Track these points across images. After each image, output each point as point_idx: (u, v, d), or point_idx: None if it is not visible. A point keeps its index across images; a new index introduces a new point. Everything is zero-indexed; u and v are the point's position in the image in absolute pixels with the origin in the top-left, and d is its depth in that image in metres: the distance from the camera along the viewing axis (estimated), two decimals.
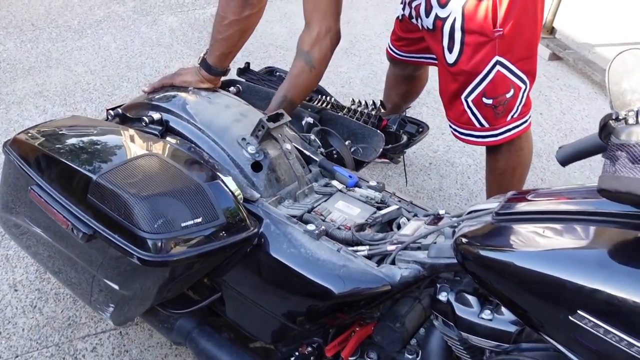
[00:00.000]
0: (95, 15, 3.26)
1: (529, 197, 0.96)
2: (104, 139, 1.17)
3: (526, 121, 1.60)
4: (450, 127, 1.66)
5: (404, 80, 2.06)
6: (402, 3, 1.79)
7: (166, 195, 1.01)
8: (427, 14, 1.50)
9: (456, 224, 1.01)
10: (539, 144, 2.45)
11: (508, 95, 1.50)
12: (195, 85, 1.40)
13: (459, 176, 2.26)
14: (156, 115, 1.27)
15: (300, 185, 1.25)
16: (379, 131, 1.55)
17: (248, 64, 1.92)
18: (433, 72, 1.81)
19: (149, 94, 1.41)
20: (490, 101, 1.50)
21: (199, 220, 1.00)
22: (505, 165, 1.68)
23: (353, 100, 1.83)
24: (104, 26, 3.15)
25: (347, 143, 1.46)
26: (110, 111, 1.36)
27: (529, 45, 1.49)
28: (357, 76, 2.83)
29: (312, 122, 1.49)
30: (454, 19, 1.42)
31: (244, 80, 1.82)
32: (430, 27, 1.51)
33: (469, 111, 1.55)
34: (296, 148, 1.31)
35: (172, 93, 1.37)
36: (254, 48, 2.96)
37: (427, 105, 2.66)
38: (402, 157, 1.88)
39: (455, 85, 1.53)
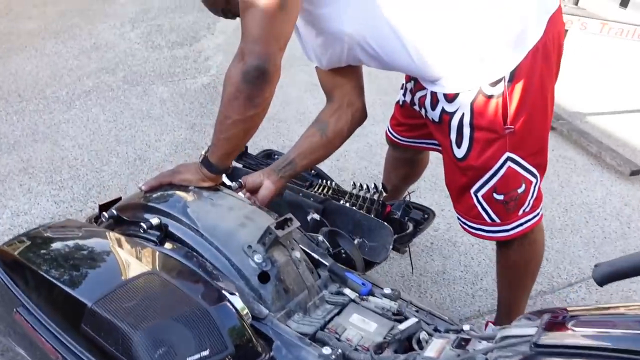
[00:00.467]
0: (84, 85, 3.21)
1: (570, 325, 0.88)
2: (99, 252, 1.08)
3: (538, 214, 1.53)
4: (459, 219, 1.58)
5: (405, 164, 2.00)
6: (402, 88, 1.75)
7: (169, 325, 0.91)
8: (433, 107, 1.44)
9: (488, 351, 0.93)
10: None
11: (519, 191, 1.44)
12: (196, 184, 1.32)
13: (462, 257, 2.19)
14: (154, 220, 1.19)
15: (310, 295, 1.16)
16: (386, 224, 1.47)
17: (246, 147, 1.86)
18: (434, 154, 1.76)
19: (147, 192, 1.33)
20: (501, 197, 1.44)
21: (206, 353, 0.90)
22: (518, 260, 1.60)
23: (354, 184, 1.77)
24: (93, 97, 3.10)
25: (356, 242, 1.39)
26: (105, 213, 1.27)
27: (540, 138, 1.44)
28: (352, 149, 2.78)
29: (318, 219, 1.41)
30: (462, 114, 1.36)
31: (241, 166, 1.76)
32: (437, 119, 1.45)
33: (478, 206, 1.48)
34: (303, 250, 1.23)
35: (171, 192, 1.29)
36: None
37: (425, 180, 2.61)
38: (408, 246, 1.81)
39: (464, 179, 1.47)
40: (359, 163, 2.72)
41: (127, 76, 3.34)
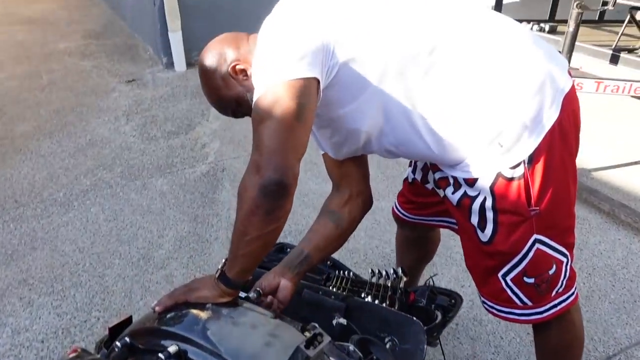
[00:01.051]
0: (82, 184, 3.16)
1: None
2: None
3: (573, 293, 1.44)
4: (485, 303, 1.49)
5: (416, 243, 1.93)
6: (410, 166, 1.71)
7: None
8: (454, 191, 1.39)
9: None
10: None
11: (551, 272, 1.37)
12: (214, 301, 1.23)
13: (491, 337, 2.07)
14: (172, 348, 1.09)
15: None
16: (415, 320, 1.38)
17: None
18: None
19: (161, 313, 1.24)
20: (532, 280, 1.37)
21: None
22: (558, 344, 1.51)
23: (372, 272, 1.69)
24: (91, 196, 3.04)
25: (387, 344, 1.29)
26: (117, 342, 1.17)
27: (567, 217, 1.38)
28: (361, 227, 2.68)
29: (345, 323, 1.32)
30: (484, 198, 1.31)
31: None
32: (455, 203, 1.40)
33: (508, 290, 1.40)
34: None
35: (188, 313, 1.20)
36: None
37: (438, 255, 2.52)
38: (439, 338, 1.70)
39: (491, 263, 1.39)
40: (370, 243, 2.64)
41: (125, 171, 3.30)
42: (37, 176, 3.25)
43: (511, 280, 1.39)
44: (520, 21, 3.54)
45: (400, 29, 1.23)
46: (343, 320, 1.33)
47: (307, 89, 1.12)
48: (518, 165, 1.25)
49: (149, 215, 2.86)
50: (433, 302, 1.68)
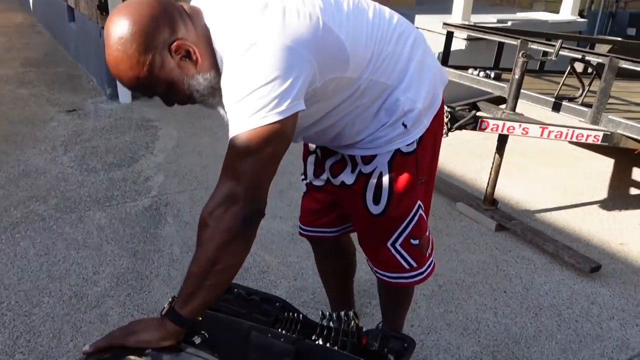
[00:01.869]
0: (11, 216, 2.95)
1: None
2: None
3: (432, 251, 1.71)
4: (378, 273, 1.67)
5: (332, 257, 2.00)
6: (303, 174, 1.78)
7: None
8: (353, 170, 1.52)
9: None
10: (513, 328, 2.29)
11: (426, 234, 1.63)
12: (156, 345, 1.12)
13: None
14: None
15: None
16: None
17: None
18: None
19: (90, 355, 1.11)
20: (417, 242, 1.59)
21: None
22: (407, 291, 1.82)
23: (323, 314, 1.61)
24: (21, 229, 2.83)
25: None
26: None
27: (432, 188, 1.67)
28: (308, 265, 2.64)
29: None
30: (380, 173, 1.47)
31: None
32: (352, 182, 1.53)
33: (397, 255, 1.60)
34: None
35: (123, 358, 1.09)
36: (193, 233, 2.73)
37: None
38: None
39: (382, 233, 1.58)
40: (318, 280, 2.54)
41: (60, 203, 3.11)
42: None
43: (400, 244, 1.58)
44: (467, 67, 3.66)
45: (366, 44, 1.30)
46: None
47: (295, 121, 1.14)
48: (412, 143, 1.45)
49: (85, 250, 2.68)
50: (386, 346, 1.62)
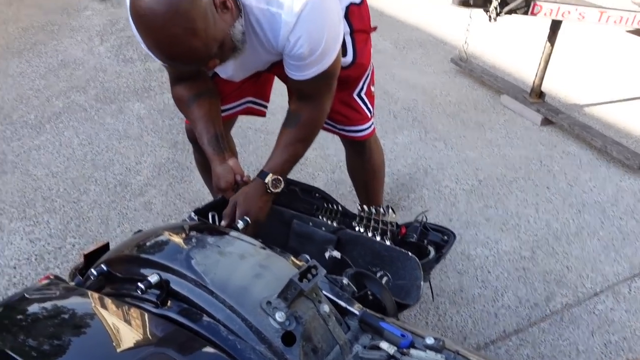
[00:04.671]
0: (54, 106, 2.98)
1: None
2: (91, 332, 0.89)
3: None
4: (345, 131, 1.76)
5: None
6: None
7: None
8: None
9: None
10: (554, 224, 2.27)
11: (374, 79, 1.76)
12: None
13: (478, 271, 2.04)
14: (153, 278, 1.00)
15: (343, 354, 0.99)
16: (411, 255, 1.32)
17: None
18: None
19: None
20: (373, 88, 1.74)
21: None
22: (378, 161, 1.92)
23: (361, 206, 1.61)
24: (64, 119, 2.88)
25: (382, 278, 1.23)
26: (93, 270, 1.08)
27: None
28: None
29: (339, 257, 1.25)
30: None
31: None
32: None
33: (362, 105, 1.71)
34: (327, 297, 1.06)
35: (169, 240, 1.11)
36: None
37: (428, 188, 2.46)
38: (430, 274, 1.65)
39: (350, 86, 1.65)
40: None
41: (100, 94, 3.12)
42: (6, 97, 3.05)
43: (365, 93, 1.69)
44: None
45: None
46: (337, 254, 1.26)
47: None
48: None
49: (126, 140, 2.72)
50: (425, 238, 1.62)
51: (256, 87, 1.73)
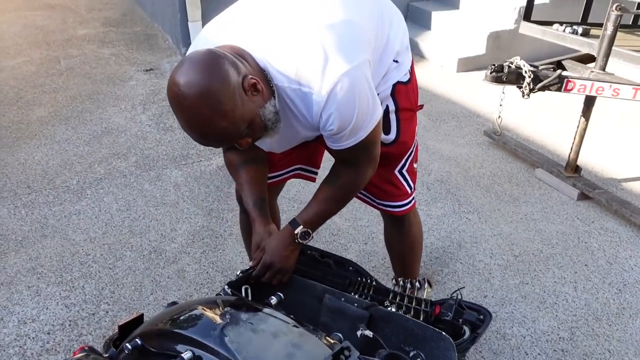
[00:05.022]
0: (96, 173, 3.09)
1: None
2: None
3: None
4: (383, 205, 1.78)
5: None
6: None
7: None
8: None
9: None
10: (594, 304, 2.19)
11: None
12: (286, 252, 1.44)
13: (515, 352, 1.97)
14: (186, 354, 1.00)
15: None
16: (445, 334, 1.29)
17: None
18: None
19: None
20: (416, 165, 1.78)
21: None
22: (417, 235, 1.91)
23: (395, 280, 1.60)
24: (104, 185, 2.97)
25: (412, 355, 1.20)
26: (128, 344, 1.09)
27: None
28: (379, 230, 2.61)
29: (371, 336, 1.23)
30: (387, 106, 1.59)
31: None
32: None
33: (404, 182, 1.73)
34: None
35: (203, 315, 1.12)
36: None
37: (462, 262, 2.43)
38: (465, 355, 1.60)
39: (392, 163, 1.68)
40: None
41: (139, 161, 3.23)
42: (51, 162, 3.19)
43: (407, 169, 1.72)
44: (551, 23, 3.43)
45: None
46: (369, 333, 1.24)
47: None
48: (406, 73, 1.59)
49: (163, 207, 2.79)
50: (460, 317, 1.58)
51: (306, 155, 1.79)
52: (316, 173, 1.87)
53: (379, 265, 2.40)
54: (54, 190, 2.91)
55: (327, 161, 1.60)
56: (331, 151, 1.51)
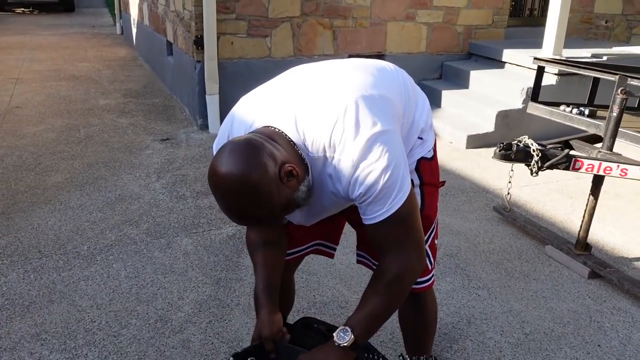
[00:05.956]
0: (107, 239, 3.12)
1: None
2: None
3: None
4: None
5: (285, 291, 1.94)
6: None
7: None
8: None
9: None
10: None
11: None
12: None
13: None
14: None
15: None
16: None
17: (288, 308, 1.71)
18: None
19: None
20: (437, 242, 1.78)
21: None
22: (432, 314, 1.89)
23: (403, 357, 1.58)
24: (114, 251, 2.99)
25: None
26: None
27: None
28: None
29: None
30: (412, 180, 1.52)
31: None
32: None
33: (426, 258, 1.64)
34: None
35: None
36: None
37: (471, 339, 2.38)
38: None
39: None
40: (396, 321, 2.50)
41: (151, 228, 3.26)
42: (64, 228, 3.23)
43: (429, 245, 1.70)
44: (558, 104, 3.52)
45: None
46: None
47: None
48: (430, 150, 1.65)
49: (171, 275, 2.79)
50: None
51: (326, 230, 1.80)
52: (334, 249, 1.87)
53: (387, 340, 2.36)
54: (65, 255, 2.93)
55: (346, 235, 1.61)
56: (371, 241, 1.45)
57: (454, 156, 4.63)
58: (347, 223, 1.83)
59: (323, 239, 1.82)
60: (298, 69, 1.50)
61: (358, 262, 1.87)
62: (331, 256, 1.88)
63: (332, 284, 2.74)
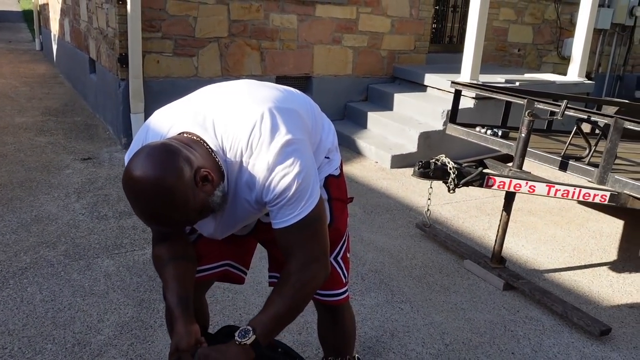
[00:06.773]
0: (21, 262, 2.97)
1: None
2: None
3: None
4: (320, 295, 1.76)
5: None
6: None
7: None
8: None
9: None
10: None
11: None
12: None
13: None
14: None
15: None
16: None
17: (205, 327, 1.69)
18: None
19: None
20: (349, 255, 1.82)
21: None
22: (350, 327, 1.93)
23: None
24: (29, 274, 2.85)
25: None
26: None
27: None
28: (314, 319, 2.60)
29: None
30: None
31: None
32: None
33: (339, 269, 1.76)
34: None
35: None
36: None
37: (394, 351, 2.44)
38: None
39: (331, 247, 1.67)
40: None
41: (69, 250, 3.14)
42: None
43: (341, 257, 1.76)
44: (474, 125, 3.72)
45: None
46: None
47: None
48: (336, 168, 1.72)
49: (91, 297, 2.69)
50: None
51: (237, 251, 1.78)
52: (245, 273, 1.83)
53: (312, 355, 2.38)
54: None
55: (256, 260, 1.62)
56: (277, 245, 1.46)
57: (379, 175, 4.77)
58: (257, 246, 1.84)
59: (233, 259, 1.78)
60: (209, 87, 1.55)
61: (270, 284, 1.82)
62: (241, 281, 1.83)
63: (259, 302, 2.74)
